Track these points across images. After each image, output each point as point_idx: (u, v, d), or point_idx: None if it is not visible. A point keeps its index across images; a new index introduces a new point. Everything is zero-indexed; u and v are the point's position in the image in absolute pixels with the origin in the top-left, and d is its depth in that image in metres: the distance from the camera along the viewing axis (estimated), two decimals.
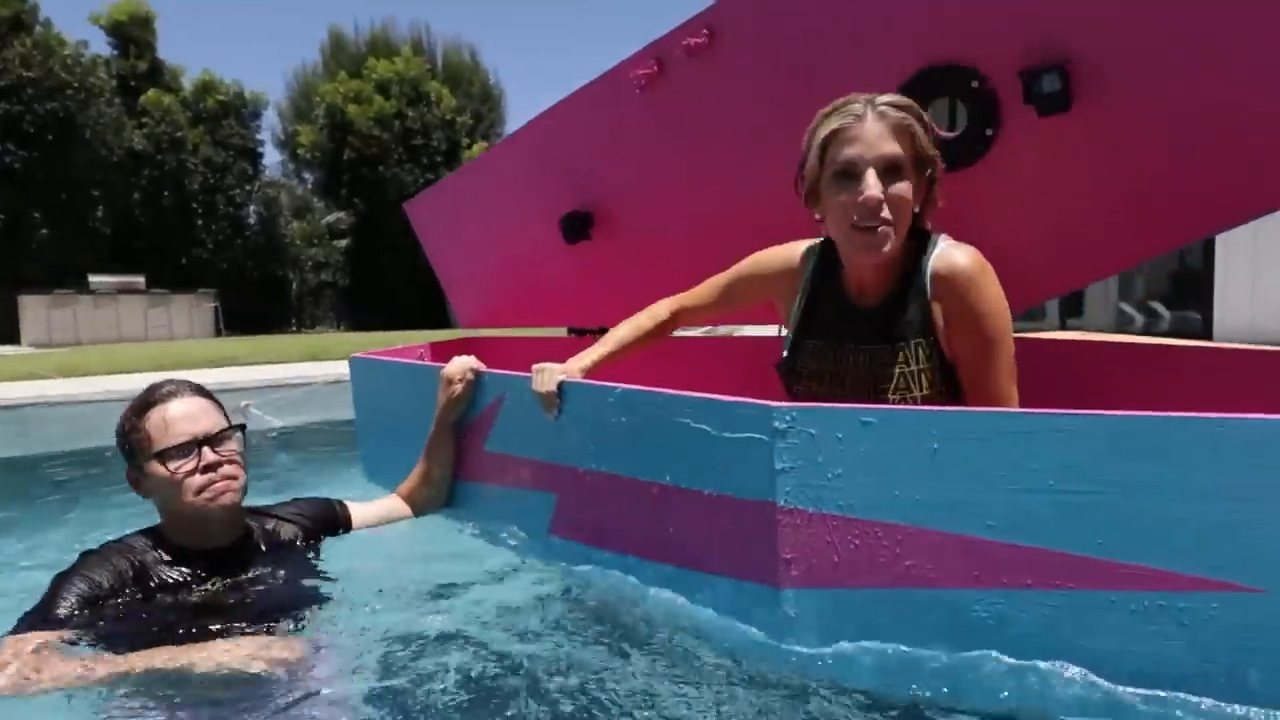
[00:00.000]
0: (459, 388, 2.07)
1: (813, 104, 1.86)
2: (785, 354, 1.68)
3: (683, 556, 1.50)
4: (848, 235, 1.49)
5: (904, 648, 1.27)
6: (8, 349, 18.18)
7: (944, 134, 1.84)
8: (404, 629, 1.61)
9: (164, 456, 1.61)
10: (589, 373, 1.78)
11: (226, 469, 1.65)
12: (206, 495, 1.62)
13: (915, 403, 1.48)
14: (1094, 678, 1.15)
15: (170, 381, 1.74)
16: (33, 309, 21.31)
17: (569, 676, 1.42)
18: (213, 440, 1.65)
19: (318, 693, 1.37)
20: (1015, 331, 1.52)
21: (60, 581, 1.54)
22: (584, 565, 1.78)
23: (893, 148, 1.44)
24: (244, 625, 1.54)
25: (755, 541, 1.33)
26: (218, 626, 1.53)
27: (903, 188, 1.45)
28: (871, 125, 1.45)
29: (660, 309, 1.89)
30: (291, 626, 1.57)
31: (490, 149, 2.59)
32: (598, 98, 2.32)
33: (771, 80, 2.01)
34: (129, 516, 2.43)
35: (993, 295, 1.47)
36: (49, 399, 7.84)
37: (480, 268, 2.92)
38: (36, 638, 1.41)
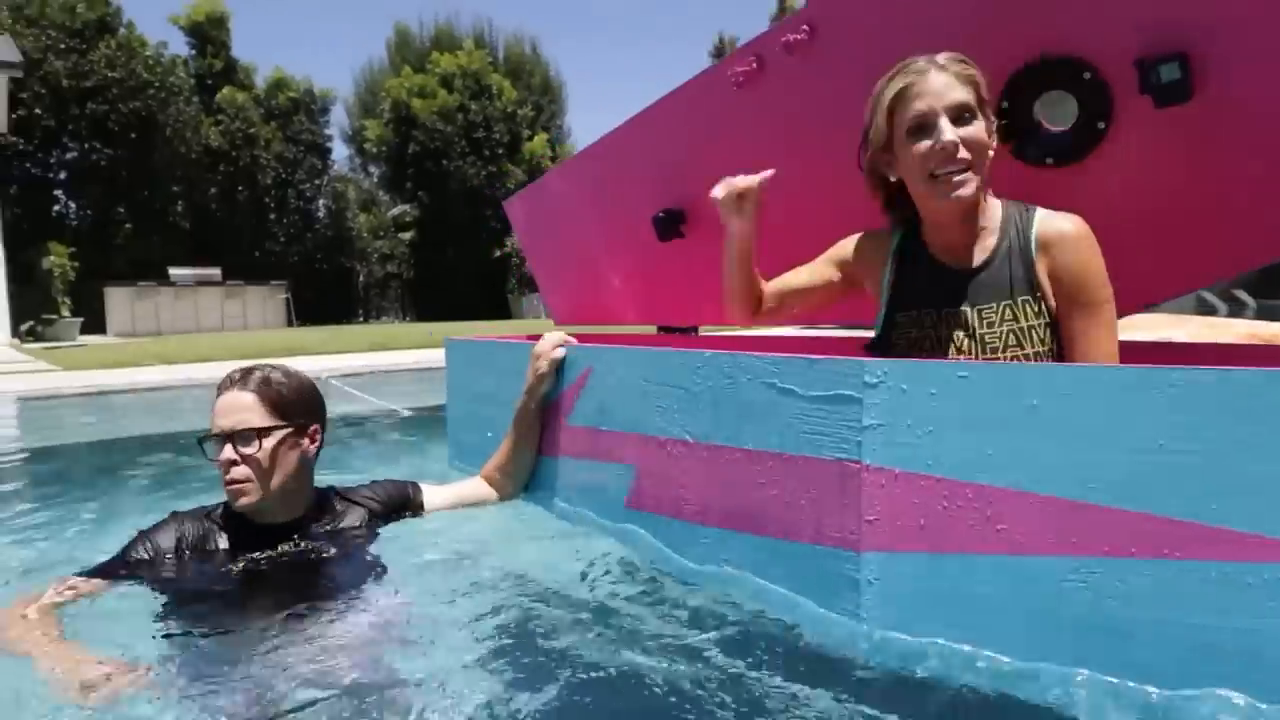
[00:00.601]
0: (544, 364, 2.09)
1: None
2: (878, 331, 1.67)
3: (765, 524, 1.49)
4: (929, 186, 1.52)
5: (991, 617, 1.21)
6: (95, 338, 19.03)
7: (1053, 129, 1.80)
8: (462, 607, 1.65)
9: (202, 443, 1.77)
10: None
11: (237, 470, 1.72)
12: (228, 494, 1.76)
13: (1029, 359, 1.48)
14: (1198, 654, 1.07)
15: (238, 370, 1.83)
16: (118, 300, 22.27)
17: (642, 647, 1.42)
18: (235, 438, 1.72)
19: (365, 671, 1.40)
20: None
21: (136, 537, 1.75)
22: (663, 535, 1.78)
23: (961, 94, 1.49)
24: (282, 599, 1.65)
25: (838, 503, 1.31)
26: (256, 597, 1.67)
27: (977, 128, 1.50)
28: (936, 77, 1.50)
29: (764, 285, 1.88)
30: (331, 605, 1.63)
31: (587, 147, 2.60)
32: (695, 95, 2.31)
33: (875, 77, 1.96)
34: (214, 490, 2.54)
35: (1099, 260, 1.50)
36: (139, 385, 8.19)
37: (574, 265, 2.93)
38: (71, 585, 1.63)
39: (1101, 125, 1.73)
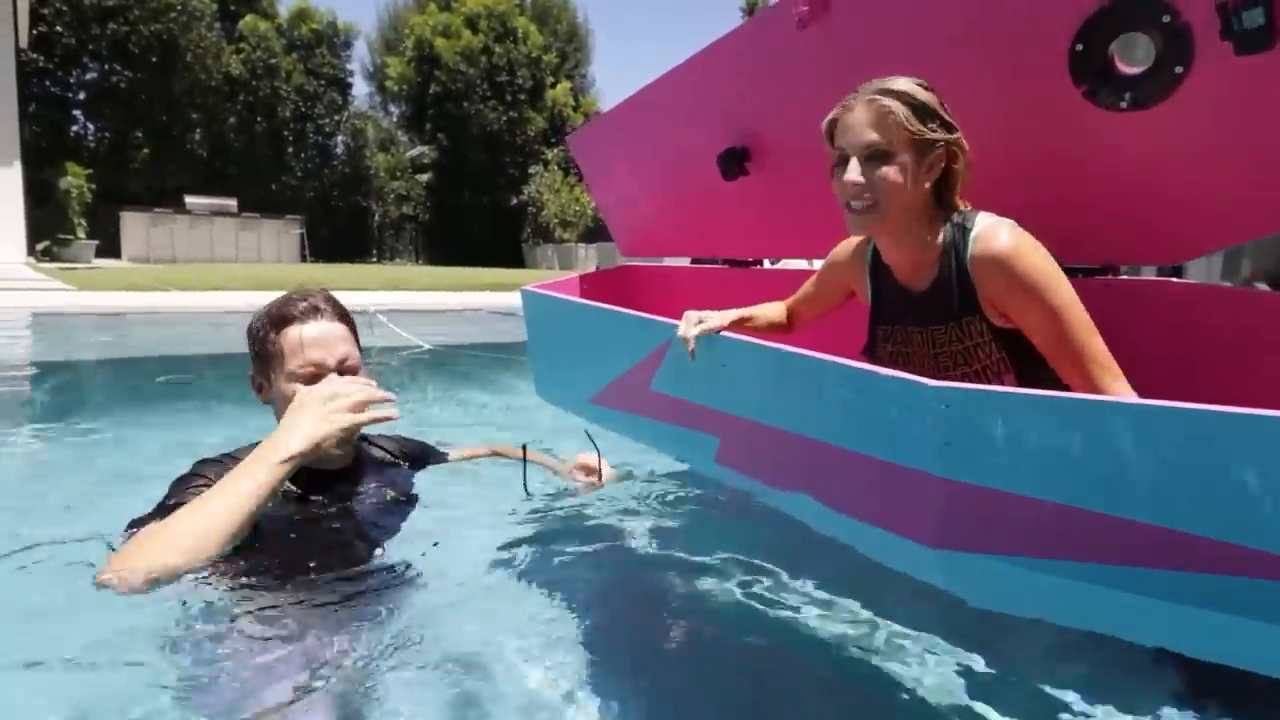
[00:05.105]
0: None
1: (990, 40, 1.81)
2: (868, 341, 1.80)
3: (844, 506, 1.53)
4: (845, 215, 1.62)
5: (1043, 617, 1.28)
6: (109, 262, 19.09)
7: (1128, 70, 1.77)
8: (505, 559, 1.66)
9: (292, 377, 1.55)
10: (727, 328, 1.85)
11: None
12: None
13: (978, 373, 1.59)
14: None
15: (312, 295, 1.62)
16: (133, 226, 22.27)
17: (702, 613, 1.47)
18: (343, 370, 1.58)
19: (418, 622, 1.39)
20: None
21: (176, 484, 1.51)
22: (741, 499, 1.81)
23: (872, 135, 1.54)
24: (346, 544, 1.53)
25: (911, 505, 1.36)
26: (319, 542, 1.50)
27: (887, 171, 1.54)
28: (857, 114, 1.56)
29: (783, 306, 2.04)
30: (395, 552, 1.55)
31: (651, 83, 2.62)
32: (757, 33, 2.31)
33: (943, 16, 1.92)
34: (219, 417, 2.56)
35: (1039, 266, 1.49)
36: (156, 308, 8.23)
37: (639, 199, 2.97)
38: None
39: (1179, 70, 1.69)
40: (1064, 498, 1.19)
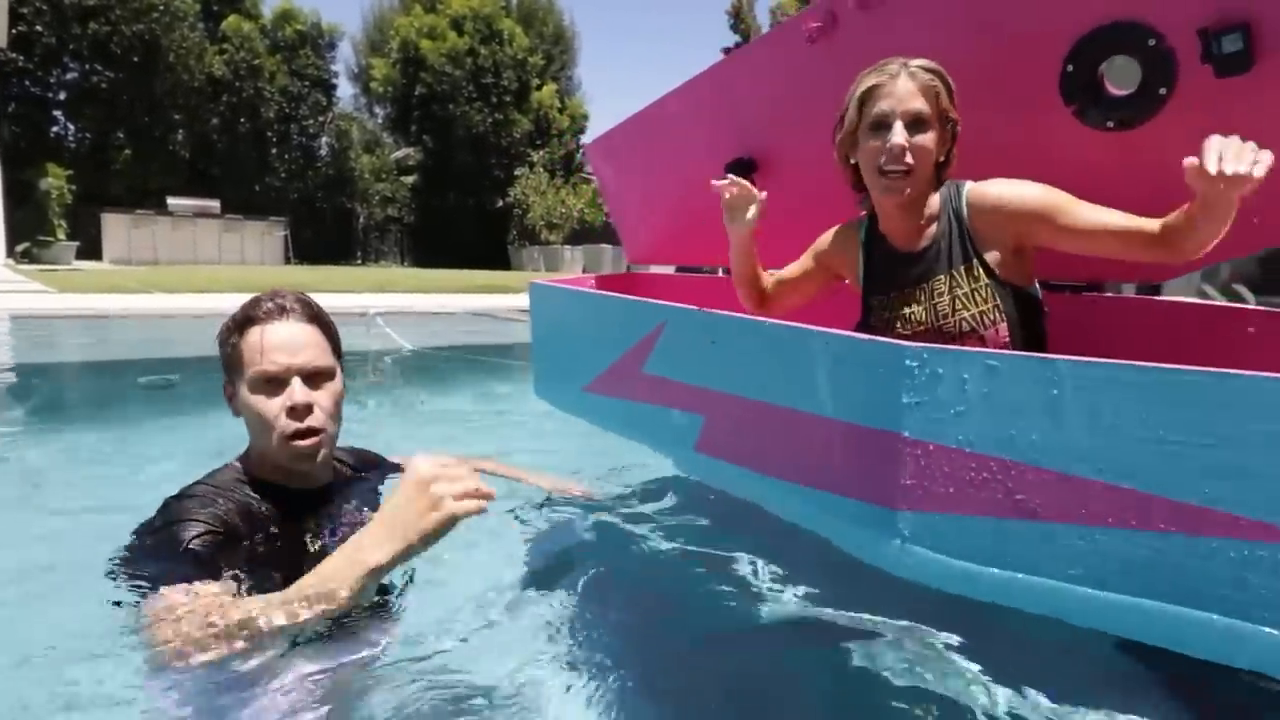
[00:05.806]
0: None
1: (987, 59, 1.88)
2: (861, 316, 1.87)
3: (813, 477, 1.59)
4: (875, 178, 1.70)
5: (1006, 571, 1.33)
6: (90, 264, 18.90)
7: (1117, 92, 1.85)
8: (522, 557, 1.74)
9: (253, 384, 1.37)
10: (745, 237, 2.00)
11: (315, 417, 1.37)
12: (288, 448, 1.37)
13: (974, 318, 1.67)
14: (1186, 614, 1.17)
15: (282, 295, 1.44)
16: (115, 227, 22.06)
17: (691, 582, 1.57)
18: (309, 378, 1.38)
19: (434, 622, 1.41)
20: None
21: (169, 536, 1.29)
22: (724, 477, 1.90)
23: (919, 104, 1.65)
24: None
25: (879, 467, 1.41)
26: (314, 563, 1.29)
27: (925, 139, 1.66)
28: (903, 83, 1.65)
29: (770, 275, 2.11)
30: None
31: (666, 94, 2.73)
32: (769, 49, 2.42)
33: (945, 35, 2.00)
34: (204, 420, 2.55)
35: (1024, 186, 1.64)
36: (136, 311, 8.15)
37: (649, 207, 3.08)
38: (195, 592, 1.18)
39: (1163, 92, 1.77)
40: (1034, 459, 1.23)
